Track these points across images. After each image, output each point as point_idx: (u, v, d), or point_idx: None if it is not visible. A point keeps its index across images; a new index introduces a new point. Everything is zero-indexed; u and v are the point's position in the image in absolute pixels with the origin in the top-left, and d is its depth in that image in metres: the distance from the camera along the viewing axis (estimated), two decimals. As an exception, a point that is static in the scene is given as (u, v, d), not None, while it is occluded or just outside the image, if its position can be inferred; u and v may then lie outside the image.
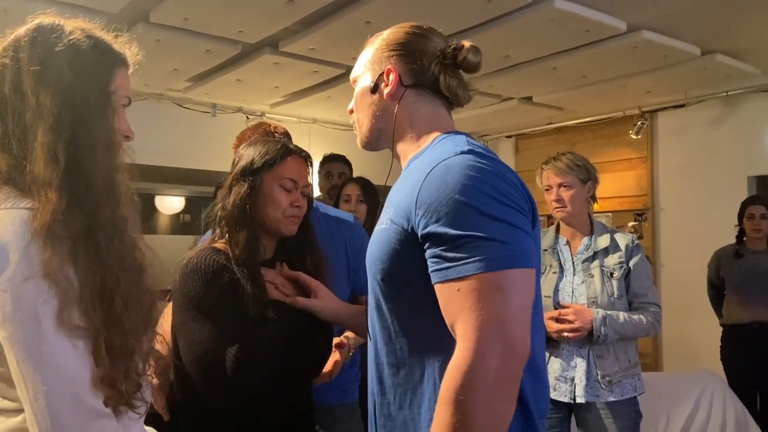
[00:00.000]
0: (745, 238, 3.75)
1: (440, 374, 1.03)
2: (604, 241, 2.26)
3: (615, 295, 2.19)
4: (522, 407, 1.03)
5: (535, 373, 1.06)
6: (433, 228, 1.00)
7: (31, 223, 0.87)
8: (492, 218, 0.98)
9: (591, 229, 2.31)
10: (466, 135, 1.16)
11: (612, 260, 2.22)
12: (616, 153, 5.02)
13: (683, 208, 4.67)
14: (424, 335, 1.07)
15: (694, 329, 4.41)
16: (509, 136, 5.77)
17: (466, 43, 1.17)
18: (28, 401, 0.86)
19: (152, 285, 1.00)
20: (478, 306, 0.94)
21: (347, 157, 3.48)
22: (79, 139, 0.92)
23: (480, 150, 1.07)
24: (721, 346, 3.81)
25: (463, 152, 1.05)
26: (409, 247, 1.05)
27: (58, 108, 0.92)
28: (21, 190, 0.92)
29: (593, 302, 2.19)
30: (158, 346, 1.05)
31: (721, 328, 3.83)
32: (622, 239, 2.27)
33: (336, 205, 2.84)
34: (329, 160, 3.48)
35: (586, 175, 2.30)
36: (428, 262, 1.01)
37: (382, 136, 1.23)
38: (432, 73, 1.18)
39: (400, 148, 1.22)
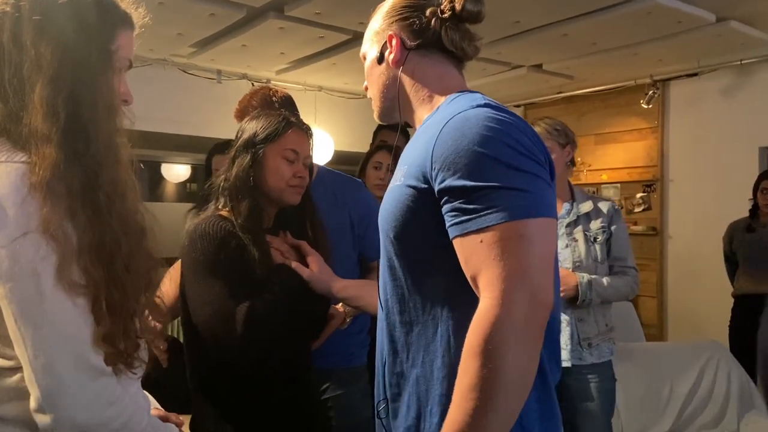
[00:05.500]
0: (759, 212, 3.70)
1: (453, 332, 1.03)
2: (586, 206, 2.29)
3: (598, 260, 2.25)
4: (539, 371, 1.00)
5: (550, 335, 1.03)
6: (451, 181, 0.97)
7: (28, 178, 0.85)
8: (513, 168, 0.96)
9: (571, 194, 2.33)
10: (481, 93, 1.13)
11: (595, 225, 2.27)
12: (627, 123, 4.94)
13: (693, 180, 4.61)
14: (437, 293, 1.06)
15: (701, 301, 4.40)
16: (518, 105, 5.67)
17: None
18: (28, 359, 0.85)
19: (153, 249, 0.99)
20: (502, 256, 0.92)
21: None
22: (79, 95, 0.90)
23: (496, 104, 1.05)
24: (731, 317, 3.81)
25: (479, 105, 1.02)
26: (423, 203, 1.03)
27: (58, 62, 0.89)
28: (15, 143, 0.89)
29: (578, 266, 2.23)
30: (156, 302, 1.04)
31: (730, 300, 3.83)
32: (604, 205, 2.32)
33: (362, 171, 2.80)
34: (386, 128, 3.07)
35: (565, 139, 2.31)
36: (446, 217, 0.99)
37: (395, 106, 1.21)
38: (433, 30, 1.15)
39: (417, 113, 1.19)
